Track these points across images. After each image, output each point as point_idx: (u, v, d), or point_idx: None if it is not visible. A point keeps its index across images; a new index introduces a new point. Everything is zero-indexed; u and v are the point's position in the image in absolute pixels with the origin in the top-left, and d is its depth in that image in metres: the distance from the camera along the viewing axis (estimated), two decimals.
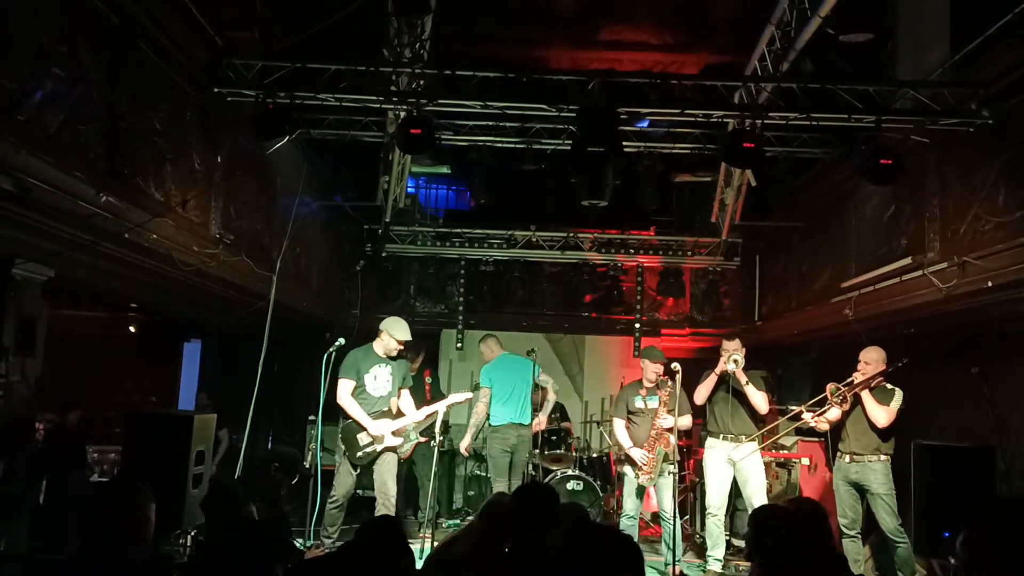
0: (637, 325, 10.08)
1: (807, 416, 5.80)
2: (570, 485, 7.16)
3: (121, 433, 5.15)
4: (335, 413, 6.17)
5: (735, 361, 5.86)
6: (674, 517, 5.86)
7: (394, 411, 6.15)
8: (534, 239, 9.87)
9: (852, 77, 6.16)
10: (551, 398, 7.52)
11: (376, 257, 9.80)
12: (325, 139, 7.78)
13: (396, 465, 6.16)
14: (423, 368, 7.84)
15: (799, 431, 7.02)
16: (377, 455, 6.01)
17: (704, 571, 6.17)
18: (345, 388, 5.97)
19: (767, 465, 6.62)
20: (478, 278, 10.18)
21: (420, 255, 10.07)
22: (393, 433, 6.05)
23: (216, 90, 5.68)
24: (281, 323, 7.23)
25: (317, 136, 7.62)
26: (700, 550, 6.60)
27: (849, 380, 5.61)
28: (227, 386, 8.92)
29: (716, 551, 6.05)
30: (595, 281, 10.10)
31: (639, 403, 6.16)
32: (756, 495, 5.96)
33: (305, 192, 7.62)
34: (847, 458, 5.60)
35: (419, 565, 3.37)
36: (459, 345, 9.92)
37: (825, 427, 5.78)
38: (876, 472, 5.44)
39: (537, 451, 7.38)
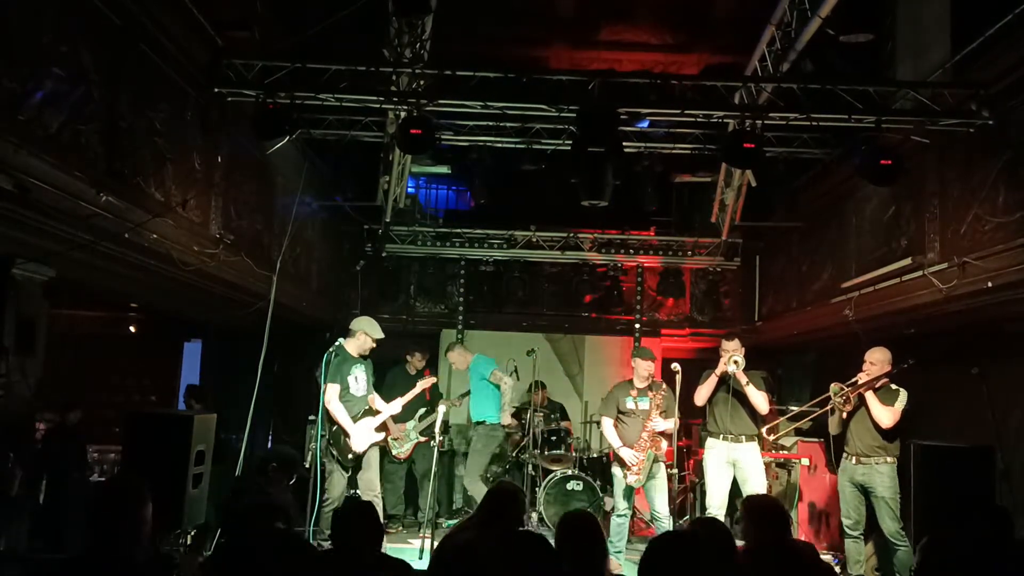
0: (637, 325, 10.08)
1: (837, 400, 5.60)
2: (570, 485, 7.16)
3: (121, 433, 5.15)
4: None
5: (736, 362, 5.84)
6: (671, 517, 5.84)
7: (373, 409, 6.19)
8: (534, 239, 9.87)
9: (852, 77, 6.16)
10: (506, 392, 7.48)
11: (376, 257, 9.80)
12: (325, 139, 7.78)
13: (379, 459, 6.21)
14: (423, 369, 7.85)
15: (799, 431, 7.04)
16: (363, 454, 6.05)
17: None
18: (333, 393, 5.98)
19: (767, 465, 6.61)
20: (478, 278, 10.17)
21: (420, 255, 10.07)
22: (376, 430, 6.10)
23: (216, 90, 5.68)
24: (281, 323, 7.23)
25: (317, 136, 7.61)
26: None
27: (853, 380, 5.58)
28: (227, 386, 8.91)
29: None
30: (595, 281, 10.10)
31: (630, 403, 6.11)
32: None
33: (305, 192, 7.62)
34: (853, 460, 5.57)
35: (420, 565, 3.37)
36: None
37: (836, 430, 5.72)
38: (882, 475, 5.41)
39: (537, 451, 7.39)
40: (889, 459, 5.44)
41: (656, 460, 5.95)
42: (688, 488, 7.62)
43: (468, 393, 7.58)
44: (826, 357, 9.05)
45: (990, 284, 5.05)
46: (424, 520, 6.49)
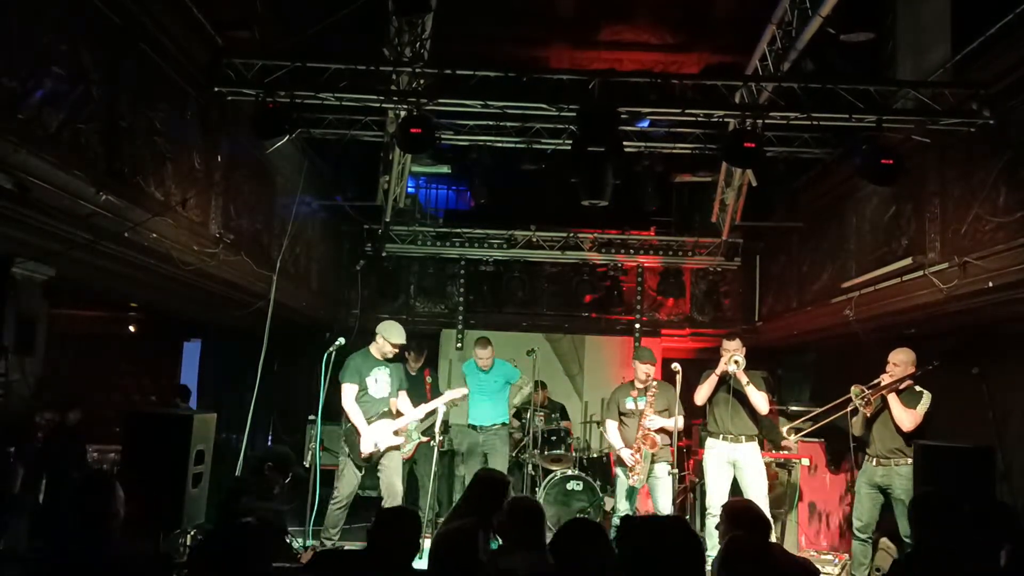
0: (637, 325, 10.08)
1: (858, 402, 5.47)
2: (570, 485, 7.15)
3: (121, 433, 5.14)
4: (336, 413, 6.17)
5: (736, 362, 5.83)
6: None
7: (394, 411, 6.16)
8: (534, 239, 9.86)
9: (853, 77, 6.16)
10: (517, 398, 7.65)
11: (376, 257, 9.79)
12: (325, 138, 7.77)
13: (400, 464, 6.17)
14: (423, 368, 7.84)
15: (797, 431, 7.02)
16: (381, 455, 6.02)
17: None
18: (349, 393, 5.98)
19: (767, 465, 6.60)
20: (478, 278, 10.17)
21: (420, 255, 10.06)
22: (394, 433, 6.07)
23: (216, 89, 5.68)
24: (281, 323, 7.22)
25: (317, 136, 7.61)
26: None
27: (875, 382, 5.45)
28: (227, 386, 8.91)
29: (716, 551, 6.03)
30: (595, 281, 10.10)
31: (630, 404, 6.15)
32: (758, 499, 5.94)
33: (305, 192, 7.62)
34: (874, 461, 5.46)
35: (420, 564, 3.36)
36: (459, 345, 9.91)
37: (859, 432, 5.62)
38: (902, 476, 5.29)
39: (537, 451, 7.39)
40: (909, 460, 5.29)
41: (655, 460, 5.95)
42: (688, 488, 7.62)
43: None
44: (826, 357, 9.05)
45: (991, 284, 5.05)
46: (424, 520, 6.47)
